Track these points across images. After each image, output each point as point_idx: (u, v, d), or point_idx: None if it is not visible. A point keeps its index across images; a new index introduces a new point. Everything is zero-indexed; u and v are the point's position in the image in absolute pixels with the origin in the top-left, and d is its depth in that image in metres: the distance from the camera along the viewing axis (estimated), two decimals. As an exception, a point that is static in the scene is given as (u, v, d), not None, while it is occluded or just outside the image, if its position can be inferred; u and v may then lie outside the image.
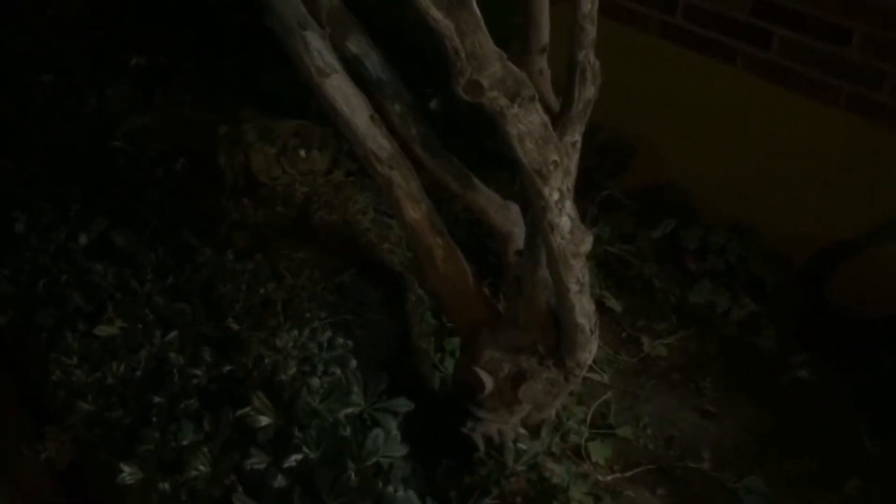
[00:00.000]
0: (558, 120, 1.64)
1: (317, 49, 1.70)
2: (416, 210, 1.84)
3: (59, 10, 3.51)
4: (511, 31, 1.78)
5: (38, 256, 2.41)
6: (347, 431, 1.90)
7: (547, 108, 1.63)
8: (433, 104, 2.81)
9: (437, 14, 1.41)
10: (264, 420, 1.91)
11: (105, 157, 2.85)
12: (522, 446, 2.01)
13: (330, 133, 2.84)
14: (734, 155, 2.70)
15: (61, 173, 2.73)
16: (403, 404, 2.00)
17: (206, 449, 1.90)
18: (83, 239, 2.46)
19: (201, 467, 1.88)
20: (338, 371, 2.04)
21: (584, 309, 1.80)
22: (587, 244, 1.72)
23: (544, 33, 1.76)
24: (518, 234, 1.93)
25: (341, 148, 2.85)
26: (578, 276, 1.74)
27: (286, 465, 1.85)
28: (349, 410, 1.95)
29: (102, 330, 2.20)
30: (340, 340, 2.14)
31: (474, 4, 1.43)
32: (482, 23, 1.45)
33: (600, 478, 2.10)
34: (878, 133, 2.40)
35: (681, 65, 2.74)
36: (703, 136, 2.74)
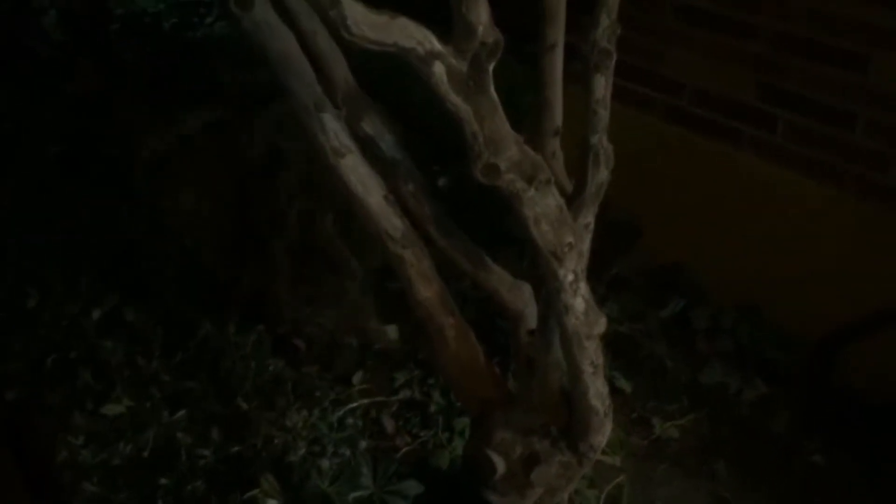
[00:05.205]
0: (572, 202, 1.65)
1: (333, 130, 1.71)
2: (427, 289, 1.84)
3: (80, 87, 3.56)
4: (524, 113, 1.81)
5: (49, 332, 2.41)
6: (357, 515, 1.87)
7: (560, 190, 1.64)
8: (441, 182, 2.84)
9: (456, 99, 1.43)
10: (272, 503, 1.88)
11: (117, 231, 2.87)
12: (535, 532, 1.97)
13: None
14: (742, 236, 2.71)
15: (72, 248, 2.74)
16: (413, 487, 1.97)
17: (212, 534, 1.87)
18: (96, 314, 2.46)
19: (207, 553, 1.85)
20: (347, 452, 2.02)
21: (598, 391, 1.78)
22: (601, 326, 1.71)
23: (558, 116, 1.79)
24: (530, 314, 1.92)
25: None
26: (592, 357, 1.73)
27: (294, 550, 1.81)
28: (358, 494, 1.93)
29: (110, 409, 2.19)
30: (350, 420, 2.12)
31: (492, 90, 1.45)
32: (500, 107, 1.47)
33: (613, 565, 2.06)
34: (885, 215, 2.42)
35: (687, 147, 2.78)
36: (710, 218, 2.76)
